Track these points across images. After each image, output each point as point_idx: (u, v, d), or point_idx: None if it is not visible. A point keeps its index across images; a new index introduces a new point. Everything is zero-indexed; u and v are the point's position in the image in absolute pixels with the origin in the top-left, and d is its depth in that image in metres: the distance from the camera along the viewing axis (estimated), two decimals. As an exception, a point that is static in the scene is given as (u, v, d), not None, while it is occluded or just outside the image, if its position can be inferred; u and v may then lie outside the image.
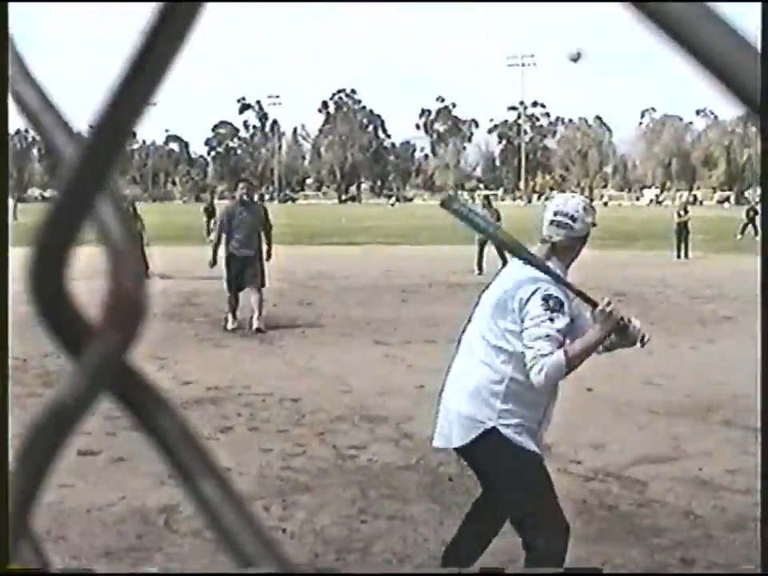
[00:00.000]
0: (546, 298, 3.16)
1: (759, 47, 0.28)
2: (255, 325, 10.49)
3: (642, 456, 5.58)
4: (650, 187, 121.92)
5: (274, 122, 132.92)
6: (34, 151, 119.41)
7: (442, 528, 4.36)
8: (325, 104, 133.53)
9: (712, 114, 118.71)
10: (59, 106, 0.39)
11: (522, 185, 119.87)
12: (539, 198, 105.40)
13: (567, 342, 3.22)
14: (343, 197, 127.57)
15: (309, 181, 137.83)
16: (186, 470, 0.38)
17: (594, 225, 3.44)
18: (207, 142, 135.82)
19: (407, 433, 6.03)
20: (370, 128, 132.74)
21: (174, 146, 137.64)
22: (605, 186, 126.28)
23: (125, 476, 5.13)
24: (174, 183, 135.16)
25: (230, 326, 10.68)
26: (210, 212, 23.77)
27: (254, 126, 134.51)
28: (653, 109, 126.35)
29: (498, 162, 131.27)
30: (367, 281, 16.38)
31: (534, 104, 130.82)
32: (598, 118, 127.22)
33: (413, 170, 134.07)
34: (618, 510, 4.70)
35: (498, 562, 3.67)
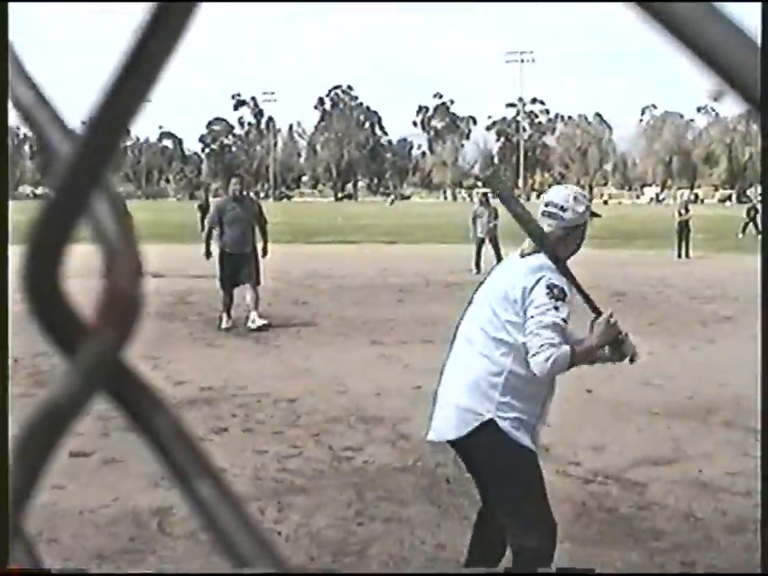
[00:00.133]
0: (550, 287, 3.14)
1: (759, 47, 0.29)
2: (257, 323, 10.35)
3: (642, 458, 5.54)
4: (650, 185, 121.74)
5: (270, 118, 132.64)
6: (26, 148, 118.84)
7: (439, 530, 4.33)
8: (321, 101, 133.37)
9: (713, 111, 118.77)
10: (54, 103, 0.39)
11: (520, 183, 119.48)
12: (538, 196, 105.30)
13: None
14: (339, 195, 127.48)
15: (305, 178, 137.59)
16: (181, 469, 0.38)
17: (595, 215, 3.40)
18: (201, 139, 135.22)
19: (404, 434, 5.98)
20: (367, 125, 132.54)
21: (168, 142, 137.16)
22: (605, 184, 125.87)
23: (117, 477, 5.09)
24: (167, 181, 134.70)
25: (224, 325, 10.59)
26: (204, 209, 23.77)
27: (249, 123, 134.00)
28: (653, 106, 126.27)
29: (496, 160, 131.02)
30: (363, 280, 16.33)
31: (533, 101, 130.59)
32: (598, 115, 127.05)
33: (410, 168, 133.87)
34: (618, 513, 4.66)
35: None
